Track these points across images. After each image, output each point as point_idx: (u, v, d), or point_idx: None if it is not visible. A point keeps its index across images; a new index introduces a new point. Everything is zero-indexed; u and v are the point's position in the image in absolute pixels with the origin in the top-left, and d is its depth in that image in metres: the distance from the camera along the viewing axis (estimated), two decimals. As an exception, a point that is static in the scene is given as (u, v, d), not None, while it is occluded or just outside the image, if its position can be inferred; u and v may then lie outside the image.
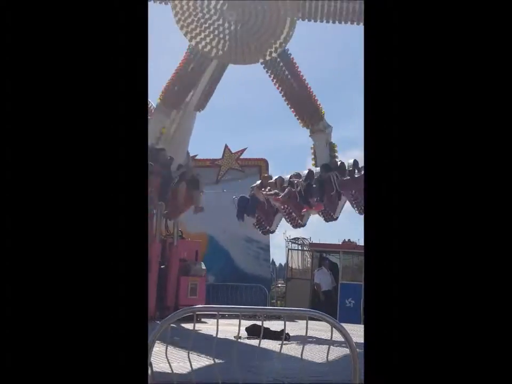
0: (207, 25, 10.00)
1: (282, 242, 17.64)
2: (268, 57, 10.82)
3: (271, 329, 7.67)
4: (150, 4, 10.19)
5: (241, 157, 18.90)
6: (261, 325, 6.96)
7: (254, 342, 6.14)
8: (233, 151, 18.91)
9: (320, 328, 5.44)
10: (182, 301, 11.25)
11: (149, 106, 11.01)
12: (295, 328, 7.85)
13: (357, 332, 5.31)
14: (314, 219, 11.51)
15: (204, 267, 12.29)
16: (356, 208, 10.52)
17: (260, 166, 18.86)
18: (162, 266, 11.59)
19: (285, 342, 4.37)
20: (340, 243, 16.20)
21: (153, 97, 11.39)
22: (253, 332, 7.65)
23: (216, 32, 10.05)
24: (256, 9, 10.03)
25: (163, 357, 3.89)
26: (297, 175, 10.94)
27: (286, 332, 8.13)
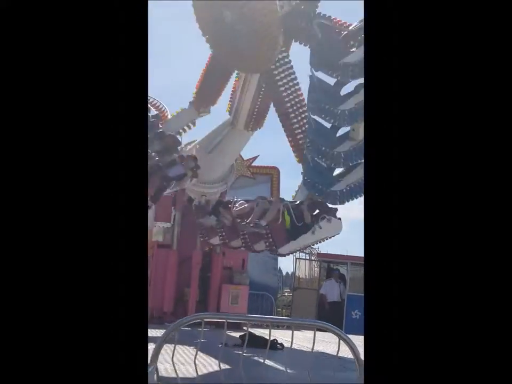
0: (219, 31, 9.68)
1: (290, 251, 17.54)
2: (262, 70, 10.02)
3: (265, 337, 7.58)
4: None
5: (252, 164, 18.77)
6: (253, 333, 6.85)
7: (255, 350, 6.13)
8: (245, 158, 18.77)
9: (324, 340, 5.38)
10: (223, 309, 11.25)
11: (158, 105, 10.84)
12: (297, 338, 7.80)
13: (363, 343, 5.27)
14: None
15: (248, 276, 12.28)
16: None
17: (272, 174, 18.71)
18: (208, 275, 11.61)
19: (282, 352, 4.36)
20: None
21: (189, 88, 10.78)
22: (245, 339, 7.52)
23: (225, 38, 9.77)
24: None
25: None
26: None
27: (280, 342, 8.03)
